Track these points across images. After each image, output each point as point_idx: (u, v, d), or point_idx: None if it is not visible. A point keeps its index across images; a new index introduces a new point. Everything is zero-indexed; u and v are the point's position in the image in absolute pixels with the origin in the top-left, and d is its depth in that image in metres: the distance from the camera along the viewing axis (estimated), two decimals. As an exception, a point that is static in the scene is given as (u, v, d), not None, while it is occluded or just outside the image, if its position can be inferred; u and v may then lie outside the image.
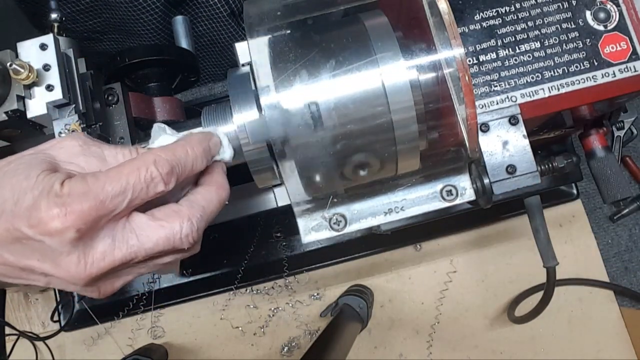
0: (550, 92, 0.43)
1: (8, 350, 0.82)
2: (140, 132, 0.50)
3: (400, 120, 0.37)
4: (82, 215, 0.30)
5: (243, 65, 0.42)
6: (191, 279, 0.83)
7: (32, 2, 0.64)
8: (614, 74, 0.43)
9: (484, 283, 0.83)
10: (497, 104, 0.43)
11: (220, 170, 0.37)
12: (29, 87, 0.41)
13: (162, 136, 0.37)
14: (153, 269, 0.35)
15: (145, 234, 0.32)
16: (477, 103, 0.43)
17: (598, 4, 0.44)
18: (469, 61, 0.44)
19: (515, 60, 0.44)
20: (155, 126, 0.39)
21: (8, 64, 0.39)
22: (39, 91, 0.42)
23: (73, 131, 0.42)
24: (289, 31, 0.39)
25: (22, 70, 0.40)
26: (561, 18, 0.44)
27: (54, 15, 0.49)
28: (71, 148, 0.34)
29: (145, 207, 0.33)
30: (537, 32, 0.44)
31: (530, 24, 0.44)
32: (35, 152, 0.33)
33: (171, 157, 0.33)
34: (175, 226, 0.33)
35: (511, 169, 0.41)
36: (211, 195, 0.36)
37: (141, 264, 0.34)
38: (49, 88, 0.42)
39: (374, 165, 0.39)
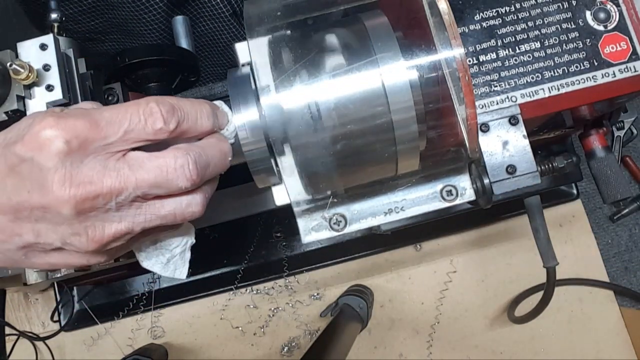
0: (550, 92, 0.43)
1: (8, 350, 0.82)
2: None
3: (400, 120, 0.37)
4: (73, 128, 0.29)
5: (243, 65, 0.42)
6: (191, 279, 0.83)
7: (33, 2, 0.64)
8: (614, 74, 0.43)
9: (484, 283, 0.83)
10: (497, 104, 0.43)
11: (222, 136, 0.37)
12: (29, 87, 0.41)
13: None
14: (152, 220, 0.33)
15: (137, 164, 0.31)
16: (477, 103, 0.43)
17: (598, 4, 0.44)
18: (469, 61, 0.44)
19: (515, 60, 0.44)
20: None
21: (8, 64, 0.39)
22: (39, 91, 0.42)
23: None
24: (289, 31, 0.39)
25: (22, 70, 0.40)
26: (561, 18, 0.44)
27: (54, 15, 0.49)
28: (85, 106, 0.34)
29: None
30: (537, 32, 0.44)
31: (530, 24, 0.44)
32: None
33: (174, 101, 0.33)
34: (169, 155, 0.32)
35: (511, 169, 0.41)
36: (211, 139, 0.35)
37: (136, 205, 0.32)
38: (49, 88, 0.42)
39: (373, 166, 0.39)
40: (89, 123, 0.30)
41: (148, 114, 0.31)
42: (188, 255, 0.40)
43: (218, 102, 0.38)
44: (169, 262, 0.39)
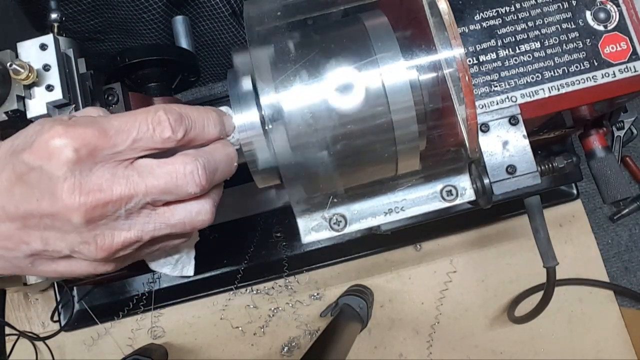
0: (550, 92, 0.43)
1: (8, 350, 0.82)
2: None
3: (400, 120, 0.37)
4: (82, 136, 0.29)
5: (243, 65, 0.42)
6: (191, 279, 0.83)
7: (33, 2, 0.64)
8: (614, 74, 0.43)
9: (484, 283, 0.83)
10: (497, 104, 0.43)
11: (228, 142, 0.37)
12: (29, 87, 0.41)
13: None
14: (161, 228, 0.33)
15: (147, 170, 0.31)
16: (477, 103, 0.43)
17: (598, 4, 0.44)
18: (469, 61, 0.44)
19: (516, 60, 0.44)
20: None
21: (8, 64, 0.39)
22: (39, 91, 0.42)
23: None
24: (289, 31, 0.39)
25: (22, 70, 0.40)
26: (561, 18, 0.44)
27: (54, 15, 0.49)
28: (91, 112, 0.35)
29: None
30: (537, 32, 0.44)
31: (530, 24, 0.44)
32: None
33: (182, 110, 0.33)
34: (178, 162, 0.32)
35: (511, 169, 0.41)
36: (217, 145, 0.35)
37: (145, 213, 0.32)
38: (49, 88, 0.42)
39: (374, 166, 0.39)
40: (98, 131, 0.30)
41: (156, 122, 0.31)
42: (193, 252, 0.40)
43: (224, 108, 0.38)
44: (177, 262, 0.39)
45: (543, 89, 0.43)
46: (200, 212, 0.34)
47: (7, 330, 0.83)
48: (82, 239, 0.31)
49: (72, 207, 0.30)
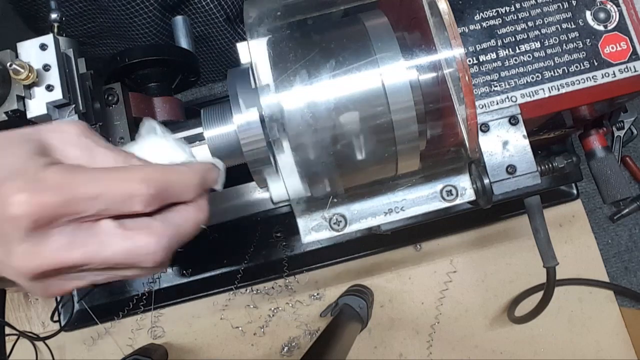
0: (550, 92, 0.43)
1: (8, 350, 0.82)
2: (140, 132, 0.50)
3: (400, 120, 0.37)
4: (45, 208, 0.27)
5: (243, 65, 0.42)
6: (191, 279, 0.83)
7: (31, 3, 0.64)
8: (614, 74, 0.43)
9: (484, 283, 0.83)
10: (497, 104, 0.43)
11: (204, 204, 0.34)
12: (29, 87, 0.41)
13: (151, 138, 0.35)
14: (111, 278, 0.32)
15: (106, 241, 0.29)
16: (477, 103, 0.43)
17: (598, 4, 0.44)
18: (469, 61, 0.44)
19: (515, 60, 0.44)
20: (146, 122, 0.36)
21: (8, 64, 0.39)
22: (39, 91, 0.42)
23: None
24: (289, 31, 0.39)
25: (22, 71, 0.40)
26: (561, 18, 0.44)
27: (54, 15, 0.49)
28: (68, 135, 0.31)
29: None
30: (537, 32, 0.44)
31: (530, 24, 0.44)
32: (30, 132, 0.31)
33: (162, 181, 0.30)
34: (140, 241, 0.30)
35: (511, 169, 0.41)
36: (189, 214, 0.32)
37: (97, 272, 0.31)
38: (49, 88, 0.42)
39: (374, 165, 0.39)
40: (63, 202, 0.28)
41: (128, 196, 0.29)
42: None
43: (216, 160, 0.36)
44: None
45: (543, 89, 0.43)
46: (139, 275, 0.32)
47: (7, 330, 0.83)
48: (30, 285, 0.30)
49: (23, 268, 0.28)
